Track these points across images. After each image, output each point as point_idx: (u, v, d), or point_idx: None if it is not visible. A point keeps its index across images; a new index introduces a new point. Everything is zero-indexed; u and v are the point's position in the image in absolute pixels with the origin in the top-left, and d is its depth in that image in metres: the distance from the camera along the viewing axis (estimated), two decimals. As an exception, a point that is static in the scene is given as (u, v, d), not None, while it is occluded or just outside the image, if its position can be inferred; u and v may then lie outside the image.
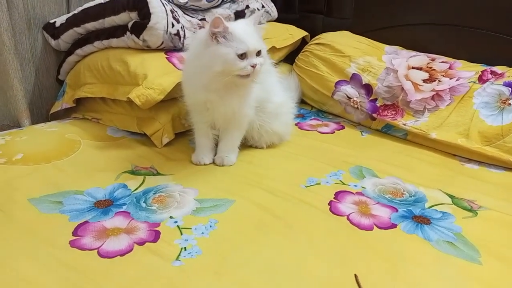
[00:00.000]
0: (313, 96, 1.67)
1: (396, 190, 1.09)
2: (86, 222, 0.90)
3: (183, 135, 1.33)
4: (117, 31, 1.40)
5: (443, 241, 0.88)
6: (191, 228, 0.89)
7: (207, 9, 1.55)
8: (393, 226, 0.93)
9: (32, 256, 0.80)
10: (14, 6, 1.43)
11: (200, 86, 1.08)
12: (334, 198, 1.03)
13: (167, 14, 1.35)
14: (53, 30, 1.54)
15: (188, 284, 0.74)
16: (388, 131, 1.46)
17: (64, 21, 1.52)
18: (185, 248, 0.83)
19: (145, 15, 1.32)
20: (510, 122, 1.28)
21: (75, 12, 1.51)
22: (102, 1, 1.43)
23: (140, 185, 1.06)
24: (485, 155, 1.26)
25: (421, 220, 0.95)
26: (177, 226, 0.90)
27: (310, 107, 1.71)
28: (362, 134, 1.48)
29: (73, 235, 0.86)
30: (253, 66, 1.02)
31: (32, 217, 0.91)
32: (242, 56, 1.01)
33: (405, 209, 1.00)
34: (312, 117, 1.62)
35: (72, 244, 0.83)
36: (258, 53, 1.04)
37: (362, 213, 0.97)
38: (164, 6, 1.35)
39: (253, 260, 0.81)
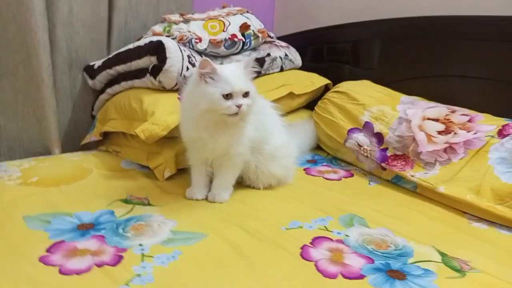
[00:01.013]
0: (328, 143, 1.66)
1: (382, 242, 1.03)
2: (62, 241, 0.96)
3: (187, 171, 1.37)
4: (140, 73, 1.54)
5: (410, 299, 0.81)
6: (153, 257, 0.91)
7: (226, 56, 1.65)
8: (361, 277, 0.87)
9: (3, 267, 0.86)
10: (58, 50, 1.63)
11: (192, 123, 1.14)
12: (309, 243, 1.00)
13: (183, 59, 1.46)
14: (91, 72, 1.72)
15: (126, 309, 0.75)
16: (397, 182, 1.40)
17: (100, 64, 1.70)
18: (139, 274, 0.84)
19: (162, 59, 1.44)
20: (527, 180, 1.16)
21: (110, 56, 1.68)
22: (131, 47, 1.59)
23: (126, 213, 1.11)
24: (495, 214, 1.15)
25: (396, 275, 0.89)
26: (142, 253, 0.92)
27: (326, 154, 1.70)
28: (369, 184, 1.43)
29: (46, 251, 0.92)
30: (238, 106, 1.06)
31: (19, 232, 1.00)
32: (228, 96, 1.06)
33: (383, 262, 0.93)
34: (324, 163, 1.60)
35: (41, 259, 0.89)
36: (246, 95, 1.08)
37: (332, 261, 0.93)
38: (181, 52, 1.47)
39: (200, 295, 0.80)
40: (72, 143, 1.77)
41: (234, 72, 1.09)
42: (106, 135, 1.66)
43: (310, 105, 1.88)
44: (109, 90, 1.66)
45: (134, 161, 1.49)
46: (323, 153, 1.71)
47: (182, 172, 1.39)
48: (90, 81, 1.74)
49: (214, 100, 1.06)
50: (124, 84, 1.60)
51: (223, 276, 0.87)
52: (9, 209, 1.11)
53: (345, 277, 0.87)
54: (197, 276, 0.86)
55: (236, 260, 0.92)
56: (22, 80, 1.55)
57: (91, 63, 1.74)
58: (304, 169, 1.52)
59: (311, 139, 1.68)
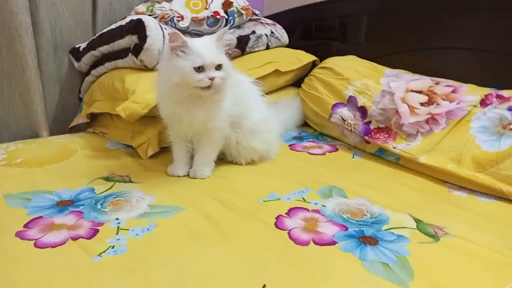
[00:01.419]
0: (314, 119, 1.66)
1: (359, 211, 1.03)
2: (40, 217, 0.97)
3: (170, 150, 1.38)
4: (122, 53, 1.53)
5: (378, 262, 0.81)
6: (128, 229, 0.92)
7: (209, 34, 1.63)
8: (333, 243, 0.88)
9: (-20, 241, 0.88)
10: (42, 32, 1.63)
11: (167, 97, 1.14)
12: (285, 213, 1.01)
13: (164, 37, 1.45)
14: (77, 54, 1.72)
15: (94, 279, 0.77)
16: (381, 155, 1.39)
17: (85, 46, 1.69)
18: (113, 246, 0.86)
19: (142, 38, 1.43)
20: (508, 147, 1.16)
21: (94, 37, 1.67)
22: (113, 27, 1.58)
23: (106, 190, 1.12)
24: (475, 182, 1.15)
25: (368, 241, 0.89)
26: (118, 226, 0.93)
27: (313, 130, 1.70)
28: (353, 157, 1.43)
29: (23, 227, 0.93)
30: (211, 79, 1.05)
31: (-2, 209, 1.01)
32: (200, 69, 1.06)
33: (356, 229, 0.94)
34: (310, 139, 1.60)
35: (17, 234, 0.90)
36: (219, 67, 1.08)
37: (305, 229, 0.93)
38: (162, 30, 1.46)
39: (171, 264, 0.81)
40: (61, 126, 1.78)
41: (206, 44, 1.08)
42: (93, 117, 1.67)
43: (297, 83, 1.87)
44: (94, 72, 1.66)
45: (119, 141, 1.49)
46: (310, 130, 1.70)
47: (165, 150, 1.39)
48: (76, 64, 1.74)
49: (185, 73, 1.05)
50: (108, 65, 1.60)
51: (196, 247, 0.88)
52: (-9, 188, 1.12)
53: (316, 243, 0.88)
54: (170, 247, 0.87)
55: (211, 232, 0.93)
56: (6, 63, 1.55)
57: (77, 46, 1.73)
58: (289, 145, 1.52)
59: (297, 116, 1.68)
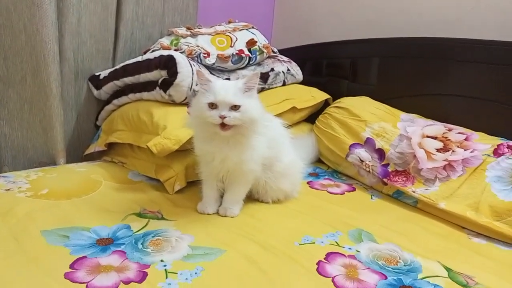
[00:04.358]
0: (329, 157, 1.71)
1: (392, 258, 1.08)
2: (84, 257, 0.97)
3: (195, 184, 1.40)
4: (148, 86, 1.56)
5: (425, 314, 0.86)
6: (177, 273, 0.93)
7: (233, 70, 1.69)
8: (377, 293, 0.92)
9: (29, 284, 0.87)
10: (65, 60, 1.64)
11: (195, 134, 1.20)
12: (324, 258, 1.04)
13: (192, 73, 1.49)
14: (97, 82, 1.73)
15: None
16: (399, 197, 1.46)
17: (107, 75, 1.71)
18: (166, 291, 0.87)
19: (173, 73, 1.47)
20: (523, 198, 1.24)
21: (117, 67, 1.69)
22: (140, 59, 1.61)
23: (142, 227, 1.13)
24: (493, 230, 1.22)
25: (408, 291, 0.94)
26: (165, 269, 0.95)
27: (327, 167, 1.75)
28: (372, 198, 1.48)
29: (70, 268, 0.93)
30: (221, 117, 1.09)
31: (39, 247, 1.00)
32: (213, 106, 1.10)
33: (395, 278, 0.98)
34: (326, 177, 1.65)
35: (66, 276, 0.90)
36: (235, 108, 1.11)
37: (348, 277, 0.97)
38: (191, 67, 1.50)
39: (227, 311, 0.83)
40: (75, 152, 1.78)
41: (225, 85, 1.13)
42: (110, 145, 1.67)
43: (309, 118, 1.94)
44: (116, 101, 1.67)
45: (141, 173, 1.50)
46: (323, 166, 1.76)
47: (190, 184, 1.41)
48: (95, 91, 1.74)
49: (200, 108, 1.11)
50: (132, 96, 1.62)
51: (246, 291, 0.90)
52: (26, 223, 1.11)
53: (362, 293, 0.92)
54: (221, 292, 0.89)
55: (256, 276, 0.95)
56: (30, 90, 1.55)
57: (97, 73, 1.75)
58: (308, 183, 1.57)
59: (313, 153, 1.73)
